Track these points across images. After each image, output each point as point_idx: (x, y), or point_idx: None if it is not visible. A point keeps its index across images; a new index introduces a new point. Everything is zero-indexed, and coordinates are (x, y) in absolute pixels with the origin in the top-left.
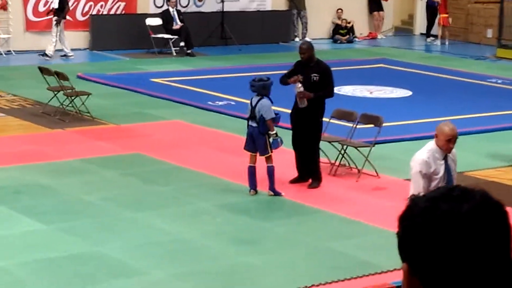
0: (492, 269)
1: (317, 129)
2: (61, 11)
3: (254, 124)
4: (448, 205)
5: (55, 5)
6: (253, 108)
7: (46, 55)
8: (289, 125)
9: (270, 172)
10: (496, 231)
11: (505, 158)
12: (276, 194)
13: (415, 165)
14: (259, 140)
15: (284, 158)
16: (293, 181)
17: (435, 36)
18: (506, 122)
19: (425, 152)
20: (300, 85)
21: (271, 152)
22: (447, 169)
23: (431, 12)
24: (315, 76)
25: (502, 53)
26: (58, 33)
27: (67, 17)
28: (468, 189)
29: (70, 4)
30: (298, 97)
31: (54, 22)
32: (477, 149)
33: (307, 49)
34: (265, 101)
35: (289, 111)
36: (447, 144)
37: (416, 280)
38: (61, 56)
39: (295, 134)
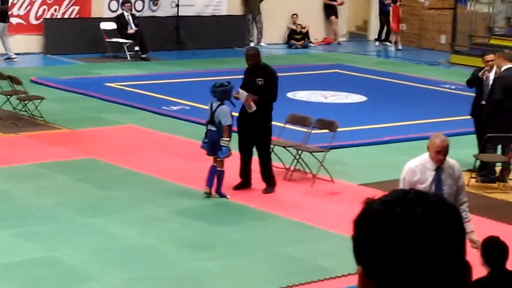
0: (446, 271)
1: (266, 133)
2: (4, 14)
3: (214, 128)
4: (401, 208)
5: None
6: (212, 113)
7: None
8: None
9: (220, 175)
10: (450, 234)
11: (459, 162)
12: (222, 196)
13: (403, 171)
14: (218, 143)
15: (236, 163)
16: (237, 187)
17: (389, 41)
18: (459, 127)
19: (416, 161)
20: (241, 91)
21: (225, 156)
22: (437, 181)
23: (384, 17)
24: (259, 81)
25: (455, 59)
26: (1, 36)
27: (10, 20)
28: (422, 193)
29: (23, 7)
30: (245, 103)
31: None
32: None
33: (253, 55)
34: (225, 107)
35: None
36: (437, 155)
37: (370, 283)
38: (5, 59)
39: (242, 139)
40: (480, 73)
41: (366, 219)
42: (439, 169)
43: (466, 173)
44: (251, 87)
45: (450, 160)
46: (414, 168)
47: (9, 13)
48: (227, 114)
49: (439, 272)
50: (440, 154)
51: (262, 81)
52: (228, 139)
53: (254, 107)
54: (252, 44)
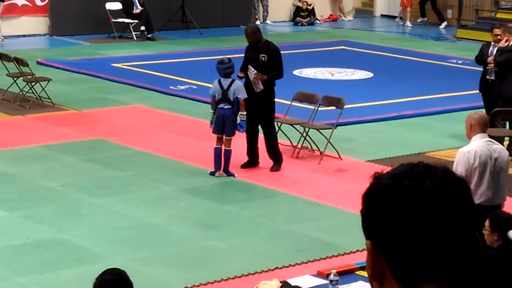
0: (456, 244)
1: (270, 111)
2: None
3: (227, 106)
4: (410, 181)
5: None
6: (225, 91)
7: None
8: None
9: (227, 155)
10: (459, 207)
11: (465, 138)
12: (229, 175)
13: None
14: (230, 120)
15: (242, 142)
16: (244, 166)
17: (400, 18)
18: (466, 102)
19: None
20: (253, 69)
21: (234, 134)
22: None
23: None
24: (263, 57)
25: (462, 34)
26: None
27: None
28: (431, 166)
29: None
30: (253, 82)
31: None
32: (437, 129)
33: (252, 33)
34: (239, 82)
35: None
36: None
37: (380, 257)
38: None
39: (247, 117)
40: (487, 63)
41: (375, 193)
42: None
43: None
44: (254, 63)
45: (471, 144)
46: None
47: None
48: (243, 88)
49: (449, 244)
50: None
51: (266, 57)
52: (245, 113)
53: (261, 87)
54: (257, 22)
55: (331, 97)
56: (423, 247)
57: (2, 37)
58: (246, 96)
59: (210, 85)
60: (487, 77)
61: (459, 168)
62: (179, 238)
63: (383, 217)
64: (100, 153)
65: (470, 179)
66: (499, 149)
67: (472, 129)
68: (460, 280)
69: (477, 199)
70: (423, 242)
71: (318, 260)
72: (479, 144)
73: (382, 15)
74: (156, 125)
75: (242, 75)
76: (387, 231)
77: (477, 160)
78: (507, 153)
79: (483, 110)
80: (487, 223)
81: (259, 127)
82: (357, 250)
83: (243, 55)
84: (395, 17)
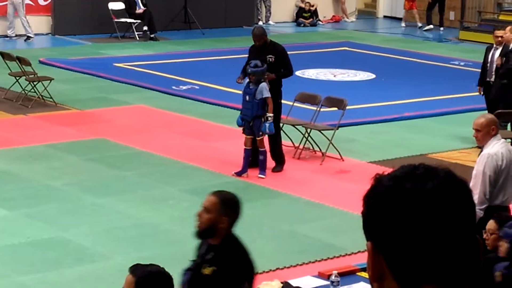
0: (456, 246)
1: (276, 111)
2: None
3: None
4: (411, 183)
5: None
6: None
7: (29, 37)
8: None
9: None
10: (460, 209)
11: (468, 140)
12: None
13: None
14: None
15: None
16: None
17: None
18: (469, 104)
19: None
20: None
21: None
22: None
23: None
24: (270, 58)
25: (464, 36)
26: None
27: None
28: (432, 167)
29: None
30: None
31: (20, 2)
32: (440, 131)
33: (261, 35)
34: None
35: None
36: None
37: (381, 258)
38: (25, 40)
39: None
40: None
41: (376, 195)
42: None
43: (475, 150)
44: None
45: (494, 147)
46: None
47: None
48: None
49: (449, 246)
50: (474, 131)
51: (273, 58)
52: None
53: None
54: (260, 23)
55: (333, 98)
56: (423, 248)
57: (15, 34)
58: None
59: (213, 85)
60: (488, 79)
61: (487, 171)
62: (181, 238)
63: (384, 218)
64: (102, 153)
65: (494, 181)
66: None
67: (493, 132)
68: (460, 282)
69: (499, 201)
70: (424, 243)
71: (319, 261)
72: (500, 146)
73: (385, 16)
74: (158, 125)
75: (241, 81)
76: (388, 233)
77: (504, 161)
78: None
79: (486, 112)
80: (493, 226)
81: None
82: (358, 251)
83: (245, 55)
84: (398, 18)
